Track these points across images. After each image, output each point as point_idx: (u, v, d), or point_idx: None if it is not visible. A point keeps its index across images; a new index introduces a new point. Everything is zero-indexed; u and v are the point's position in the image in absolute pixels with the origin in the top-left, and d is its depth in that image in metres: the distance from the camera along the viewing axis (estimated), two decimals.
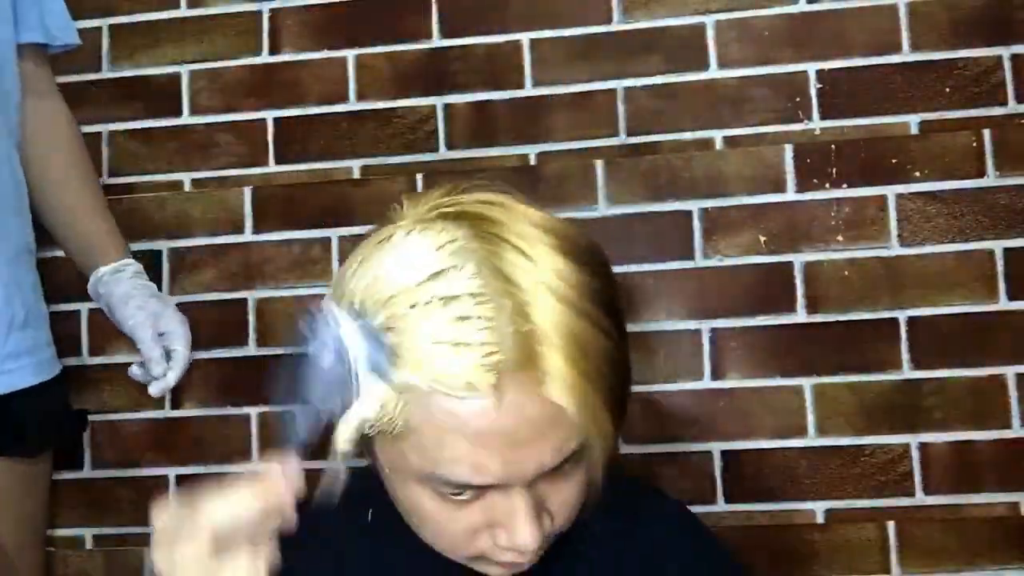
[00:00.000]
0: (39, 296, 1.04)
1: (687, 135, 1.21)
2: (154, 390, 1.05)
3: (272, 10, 1.29)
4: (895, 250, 1.17)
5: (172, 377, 1.04)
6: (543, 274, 0.53)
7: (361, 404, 0.52)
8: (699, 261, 1.19)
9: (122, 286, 1.05)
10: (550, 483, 0.57)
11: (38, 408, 0.99)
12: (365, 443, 0.57)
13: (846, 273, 1.17)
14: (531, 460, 0.53)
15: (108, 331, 1.23)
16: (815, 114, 1.20)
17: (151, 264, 1.22)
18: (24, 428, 0.98)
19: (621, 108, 1.22)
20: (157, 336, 1.04)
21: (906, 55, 1.19)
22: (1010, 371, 1.14)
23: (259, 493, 0.49)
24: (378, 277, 0.56)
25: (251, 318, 1.25)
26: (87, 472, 1.26)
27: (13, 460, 0.98)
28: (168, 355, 1.05)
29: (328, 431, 0.53)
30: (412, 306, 0.52)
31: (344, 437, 0.53)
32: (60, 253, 1.15)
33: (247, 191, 1.27)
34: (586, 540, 0.69)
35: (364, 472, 0.61)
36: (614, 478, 0.76)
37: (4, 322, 0.95)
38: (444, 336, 0.51)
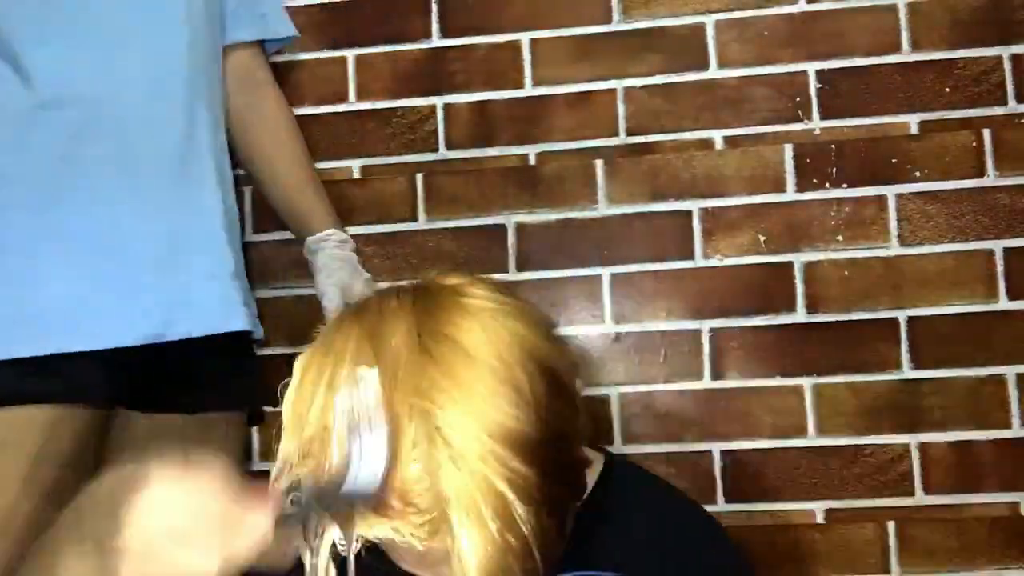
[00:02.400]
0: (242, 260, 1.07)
1: (687, 135, 1.21)
2: None
3: None
4: (895, 250, 1.17)
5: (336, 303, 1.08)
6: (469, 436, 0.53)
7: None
8: (699, 261, 1.19)
9: (322, 256, 1.10)
10: None
11: (231, 366, 1.02)
12: None
13: (846, 273, 1.17)
14: None
15: None
16: (815, 114, 1.20)
17: None
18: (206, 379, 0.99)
19: (621, 108, 1.22)
20: (343, 307, 1.06)
21: (906, 55, 1.19)
22: (1010, 371, 1.14)
23: (224, 519, 0.50)
24: None
25: None
26: None
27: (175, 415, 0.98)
28: None
29: None
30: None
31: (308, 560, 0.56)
32: None
33: (248, 191, 1.27)
34: (603, 546, 0.69)
35: None
36: (628, 476, 0.75)
37: (228, 270, 0.99)
38: None
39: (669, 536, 0.71)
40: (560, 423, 0.57)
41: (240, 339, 1.01)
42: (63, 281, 0.87)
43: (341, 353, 0.58)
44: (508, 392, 0.55)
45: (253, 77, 1.14)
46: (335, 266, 1.10)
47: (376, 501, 0.54)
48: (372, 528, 0.54)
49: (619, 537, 0.70)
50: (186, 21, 0.98)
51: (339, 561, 0.56)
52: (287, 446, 0.58)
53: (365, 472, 0.53)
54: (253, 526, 0.51)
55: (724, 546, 0.74)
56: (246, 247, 1.26)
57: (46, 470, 0.85)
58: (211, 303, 0.96)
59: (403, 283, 0.64)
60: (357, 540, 0.55)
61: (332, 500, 0.54)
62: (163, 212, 0.94)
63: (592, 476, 0.73)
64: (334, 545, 0.55)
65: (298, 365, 0.60)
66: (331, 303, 1.08)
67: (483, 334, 0.56)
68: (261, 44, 1.16)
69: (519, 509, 0.52)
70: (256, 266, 1.25)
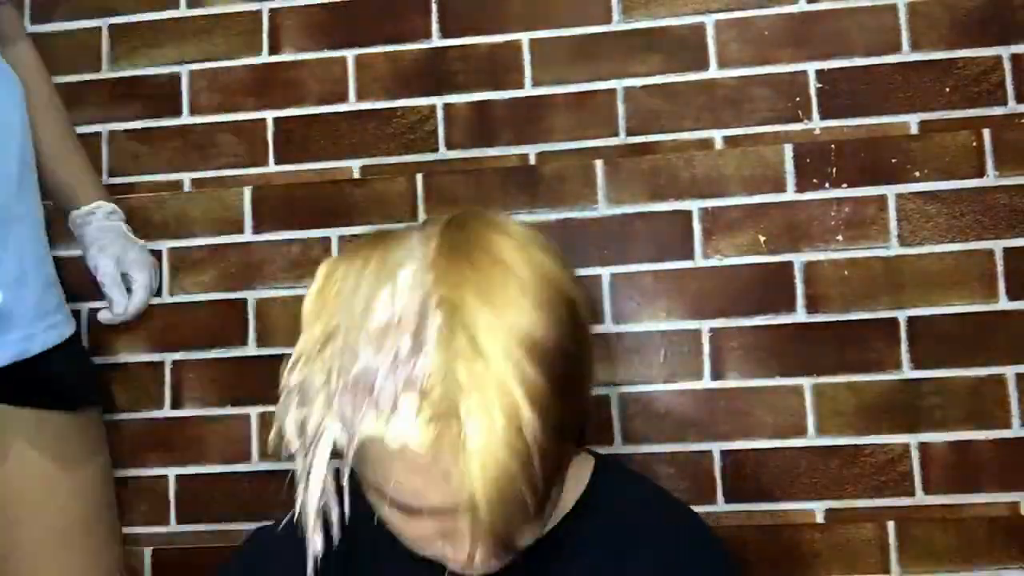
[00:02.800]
0: (50, 255, 1.05)
1: (687, 135, 1.21)
2: (103, 315, 1.08)
3: (272, 10, 1.29)
4: (895, 250, 1.17)
5: (130, 307, 1.08)
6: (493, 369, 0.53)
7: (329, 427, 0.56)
8: (699, 261, 1.19)
9: (91, 229, 1.07)
10: None
11: (72, 362, 1.02)
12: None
13: (846, 273, 1.17)
14: (467, 491, 0.53)
15: (108, 330, 1.23)
16: (815, 114, 1.20)
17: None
18: (62, 382, 1.00)
19: (621, 108, 1.22)
20: (119, 277, 1.06)
21: (906, 55, 1.19)
22: (1010, 371, 1.14)
23: None
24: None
25: (251, 318, 1.25)
26: None
27: (57, 412, 1.00)
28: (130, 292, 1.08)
29: None
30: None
31: (301, 463, 0.57)
32: (61, 252, 1.16)
33: (247, 191, 1.27)
34: (584, 542, 0.69)
35: None
36: (619, 480, 0.76)
37: (40, 282, 0.98)
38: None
39: (663, 534, 0.71)
40: (578, 350, 0.57)
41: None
42: None
43: (368, 258, 0.58)
44: (536, 305, 0.55)
45: (8, 30, 1.08)
46: (107, 239, 1.08)
47: (393, 391, 0.53)
48: (379, 421, 0.54)
49: (613, 534, 0.70)
50: None
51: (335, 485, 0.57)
52: (307, 338, 0.57)
53: (385, 362, 0.53)
54: None
55: (717, 545, 0.74)
56: (246, 247, 1.26)
57: None
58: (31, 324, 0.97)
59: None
60: (355, 442, 0.55)
61: (345, 391, 0.54)
62: (14, 225, 0.94)
63: (584, 476, 0.73)
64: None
65: (321, 270, 0.60)
66: (107, 274, 1.06)
67: (517, 252, 0.57)
68: None
69: (527, 414, 0.52)
70: (256, 266, 1.25)
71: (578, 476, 0.73)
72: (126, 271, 1.11)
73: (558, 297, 0.57)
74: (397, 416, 0.53)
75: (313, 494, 0.56)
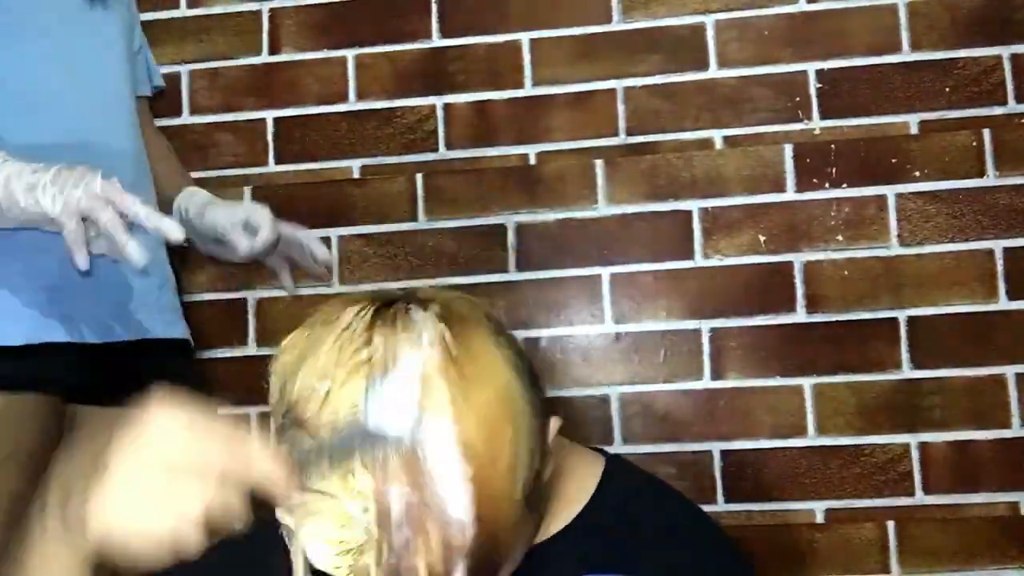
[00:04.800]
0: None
1: (687, 135, 1.21)
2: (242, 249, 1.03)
3: (272, 10, 1.29)
4: (895, 250, 1.17)
5: (257, 242, 1.02)
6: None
7: None
8: (699, 261, 1.19)
9: (199, 198, 1.06)
10: None
11: (187, 366, 1.05)
12: None
13: (846, 273, 1.17)
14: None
15: None
16: (815, 114, 1.20)
17: None
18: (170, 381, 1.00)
19: (621, 108, 1.22)
20: (240, 226, 1.04)
21: (906, 55, 1.19)
22: (1010, 371, 1.14)
23: (231, 456, 0.48)
24: None
25: (251, 318, 1.25)
26: None
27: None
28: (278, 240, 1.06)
29: None
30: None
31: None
32: None
33: (247, 191, 1.27)
34: (587, 547, 0.69)
35: None
36: (628, 479, 0.75)
37: (170, 282, 1.04)
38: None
39: (676, 535, 0.71)
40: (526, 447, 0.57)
41: (180, 346, 1.05)
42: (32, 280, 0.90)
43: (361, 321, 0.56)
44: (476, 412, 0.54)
45: (147, 127, 1.12)
46: (217, 202, 1.05)
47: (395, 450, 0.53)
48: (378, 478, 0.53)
49: (627, 536, 0.70)
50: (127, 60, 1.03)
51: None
52: (299, 390, 0.56)
53: (394, 418, 0.52)
54: (255, 470, 0.50)
55: (727, 544, 0.74)
56: None
57: (24, 453, 0.88)
58: (155, 311, 1.00)
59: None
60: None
61: (344, 448, 0.53)
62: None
63: (594, 478, 0.73)
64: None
65: (298, 334, 0.58)
66: (228, 223, 1.02)
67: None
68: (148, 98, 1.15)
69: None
70: (254, 267, 1.25)
71: (584, 479, 0.72)
72: (246, 218, 1.05)
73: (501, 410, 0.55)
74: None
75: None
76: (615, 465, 0.75)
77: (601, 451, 0.77)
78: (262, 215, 1.05)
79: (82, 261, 0.80)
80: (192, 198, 1.07)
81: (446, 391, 0.52)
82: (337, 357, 0.54)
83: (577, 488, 0.72)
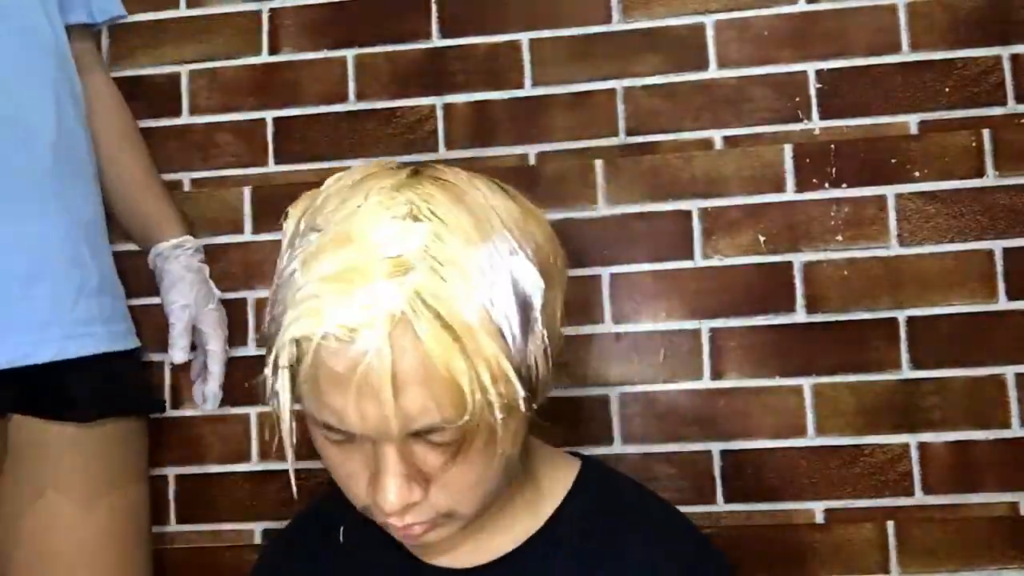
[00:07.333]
0: (113, 268, 1.02)
1: (687, 135, 1.21)
2: (206, 403, 1.07)
3: (272, 10, 1.29)
4: (895, 250, 1.17)
5: (213, 385, 1.05)
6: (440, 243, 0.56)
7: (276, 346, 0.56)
8: (698, 261, 1.20)
9: (176, 265, 1.04)
10: (434, 453, 0.57)
11: (101, 375, 0.97)
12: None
13: (846, 273, 1.17)
14: (391, 416, 0.53)
15: None
16: (815, 114, 1.20)
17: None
18: (77, 392, 0.95)
19: (621, 108, 1.22)
20: (190, 328, 1.03)
21: (906, 55, 1.19)
22: (1010, 371, 1.14)
23: None
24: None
25: (251, 318, 1.25)
26: None
27: (67, 424, 0.95)
28: (206, 356, 1.06)
29: None
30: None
31: (269, 385, 0.57)
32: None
33: (246, 191, 1.27)
34: (561, 548, 0.69)
35: (338, 491, 0.62)
36: (603, 480, 0.76)
37: (74, 286, 0.93)
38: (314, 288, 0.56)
39: (651, 536, 0.71)
40: (544, 291, 0.60)
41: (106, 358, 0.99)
42: None
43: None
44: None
45: (86, 61, 1.07)
46: (189, 279, 1.04)
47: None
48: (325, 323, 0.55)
49: (602, 537, 0.70)
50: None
51: None
52: (329, 200, 0.67)
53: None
54: None
55: (706, 544, 0.74)
56: (246, 247, 1.26)
57: None
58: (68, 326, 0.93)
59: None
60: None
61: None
62: (34, 220, 0.90)
63: (569, 479, 0.73)
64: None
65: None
66: (177, 325, 1.01)
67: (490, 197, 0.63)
68: (91, 27, 1.09)
69: (483, 341, 0.55)
70: (256, 266, 1.25)
71: (559, 480, 0.72)
72: (199, 326, 1.06)
73: (523, 236, 0.59)
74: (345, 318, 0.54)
75: (284, 420, 0.56)
76: (590, 468, 0.75)
77: (577, 454, 0.78)
78: (214, 347, 1.04)
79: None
80: (169, 261, 1.03)
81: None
82: (376, 183, 0.60)
83: (550, 490, 0.72)
